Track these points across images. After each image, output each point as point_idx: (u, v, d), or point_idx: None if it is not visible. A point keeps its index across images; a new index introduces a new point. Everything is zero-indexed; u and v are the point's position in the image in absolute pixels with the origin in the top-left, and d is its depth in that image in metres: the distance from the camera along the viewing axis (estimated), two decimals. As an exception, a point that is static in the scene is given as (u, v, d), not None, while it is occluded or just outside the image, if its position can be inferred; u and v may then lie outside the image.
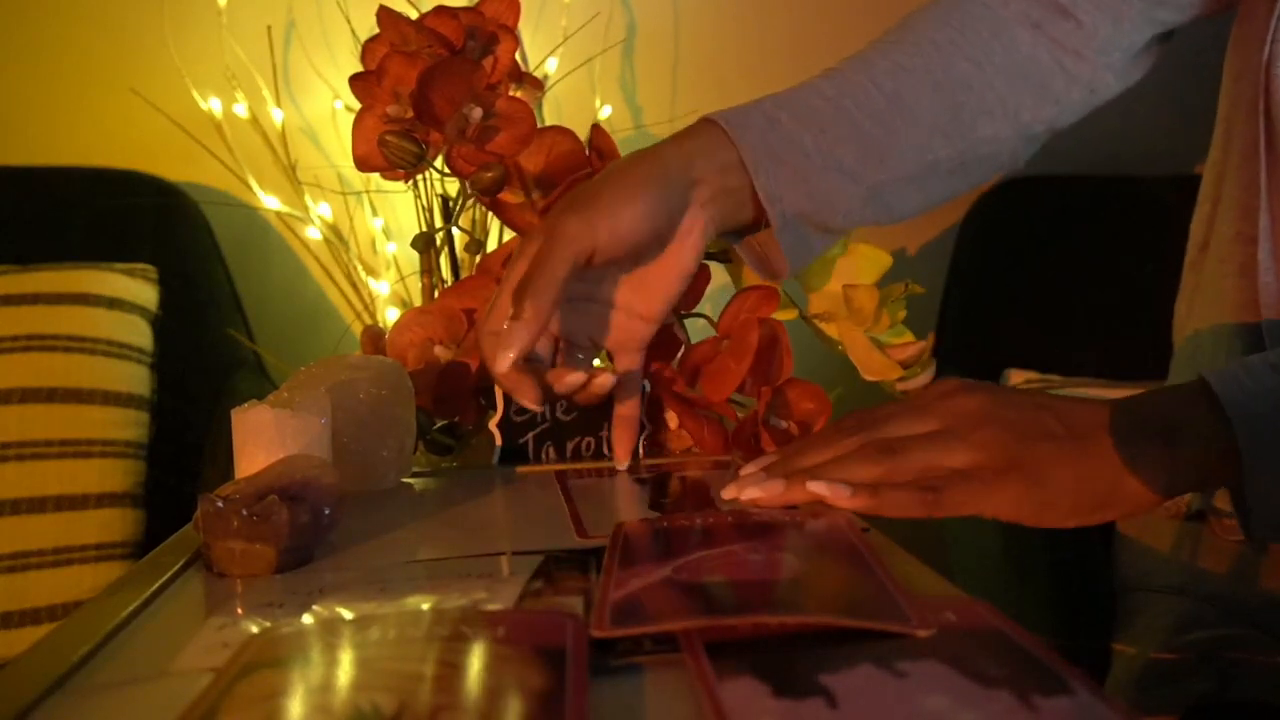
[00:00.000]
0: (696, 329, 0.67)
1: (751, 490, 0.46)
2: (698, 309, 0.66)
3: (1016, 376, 1.19)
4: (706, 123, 0.56)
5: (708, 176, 0.54)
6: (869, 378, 0.68)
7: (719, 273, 0.69)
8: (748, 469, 0.48)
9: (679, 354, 0.64)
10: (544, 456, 0.61)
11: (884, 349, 0.68)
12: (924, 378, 0.68)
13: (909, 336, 0.69)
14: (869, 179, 0.58)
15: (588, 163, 0.66)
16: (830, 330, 0.69)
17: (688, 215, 0.54)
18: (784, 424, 0.61)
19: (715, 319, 0.64)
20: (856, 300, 0.66)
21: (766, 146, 0.54)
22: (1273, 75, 0.57)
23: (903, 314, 0.69)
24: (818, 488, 0.44)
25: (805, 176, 0.56)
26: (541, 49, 1.24)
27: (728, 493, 0.47)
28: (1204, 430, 0.42)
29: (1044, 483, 0.42)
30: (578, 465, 0.60)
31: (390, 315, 1.12)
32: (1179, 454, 0.42)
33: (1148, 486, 0.42)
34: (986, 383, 0.48)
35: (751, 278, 0.65)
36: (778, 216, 0.56)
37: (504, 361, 0.49)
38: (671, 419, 0.63)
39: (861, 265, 0.68)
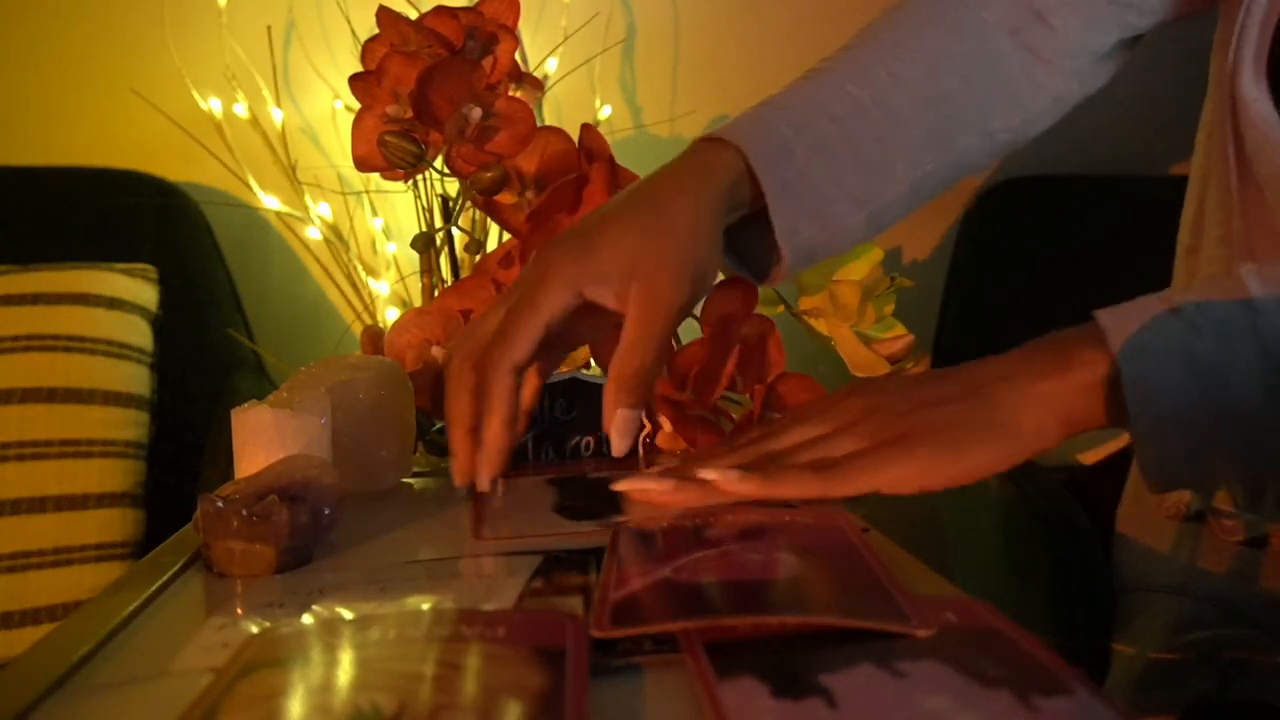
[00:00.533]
0: (690, 329, 0.66)
1: (642, 482, 0.45)
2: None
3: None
4: (728, 149, 0.54)
5: (733, 212, 0.54)
6: (857, 373, 0.68)
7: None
8: (649, 471, 0.48)
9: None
10: (543, 456, 0.61)
11: (871, 344, 0.68)
12: (916, 371, 0.68)
13: (900, 330, 0.69)
14: (871, 204, 0.58)
15: (580, 163, 0.66)
16: (820, 326, 0.69)
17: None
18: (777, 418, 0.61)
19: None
20: (841, 296, 0.66)
21: (784, 182, 0.54)
22: (1238, 83, 0.57)
23: (890, 308, 0.69)
24: (707, 473, 0.43)
25: (817, 210, 0.56)
26: (541, 49, 1.24)
27: (618, 485, 0.47)
28: (1090, 361, 0.42)
29: (938, 445, 0.42)
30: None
31: (390, 315, 1.12)
32: (1068, 384, 0.42)
33: (1045, 428, 0.42)
34: (879, 377, 0.48)
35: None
36: (790, 252, 0.56)
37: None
38: (665, 423, 0.63)
39: (852, 259, 0.68)
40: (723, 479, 0.43)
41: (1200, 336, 0.41)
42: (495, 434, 0.48)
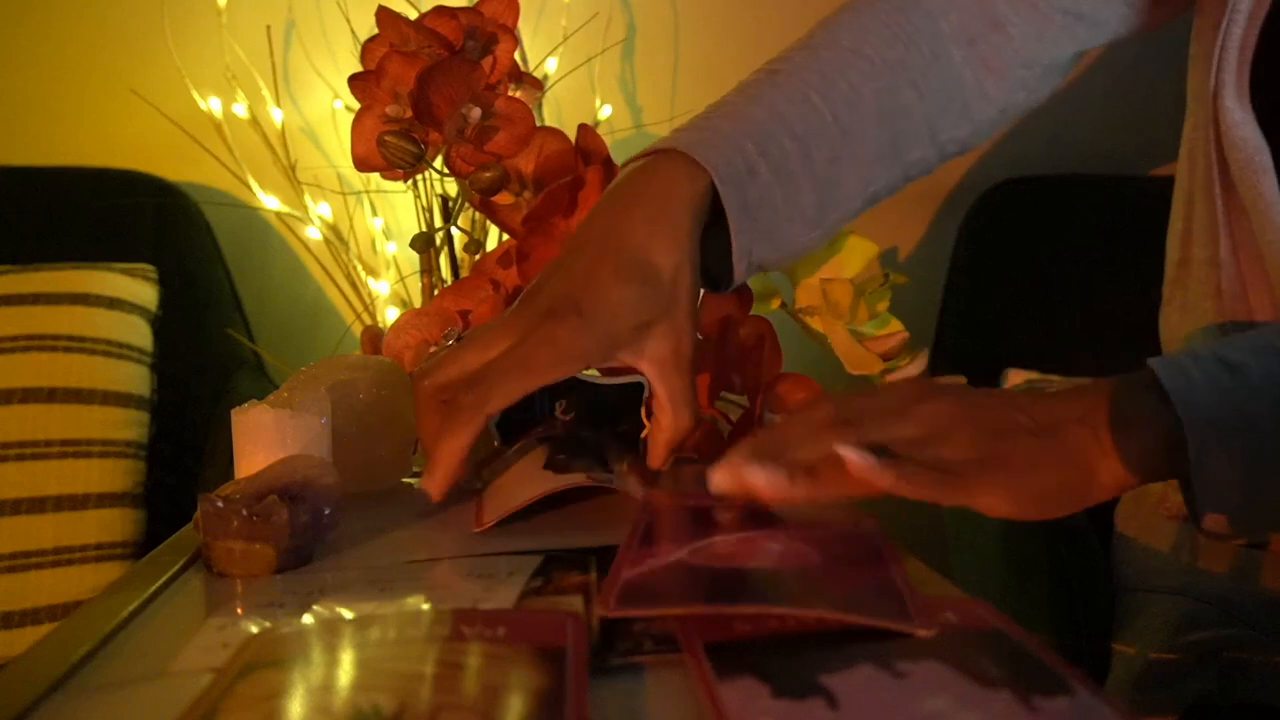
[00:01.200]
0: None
1: (755, 474, 0.42)
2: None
3: (1016, 377, 1.19)
4: (692, 168, 0.53)
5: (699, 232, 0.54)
6: (853, 371, 0.68)
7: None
8: (732, 457, 0.44)
9: None
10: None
11: (865, 340, 0.67)
12: (913, 369, 0.68)
13: (896, 326, 0.69)
14: (824, 223, 0.59)
15: (577, 164, 0.66)
16: (815, 324, 0.69)
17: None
18: (778, 419, 0.61)
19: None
20: (833, 294, 0.66)
21: (745, 204, 0.54)
22: (1220, 106, 0.57)
23: (884, 305, 0.69)
24: (846, 452, 0.40)
25: (772, 230, 0.56)
26: (541, 49, 1.24)
27: (720, 481, 0.43)
28: (1156, 423, 0.42)
29: (1030, 477, 0.42)
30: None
31: (390, 315, 1.12)
32: (1135, 445, 0.42)
33: (1116, 476, 0.43)
34: (950, 385, 0.47)
35: None
36: (745, 269, 0.56)
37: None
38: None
39: (847, 256, 0.68)
40: (861, 461, 0.40)
41: (1260, 401, 0.41)
42: (450, 463, 0.47)
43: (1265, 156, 0.56)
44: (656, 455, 0.52)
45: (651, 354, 0.50)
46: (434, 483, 0.48)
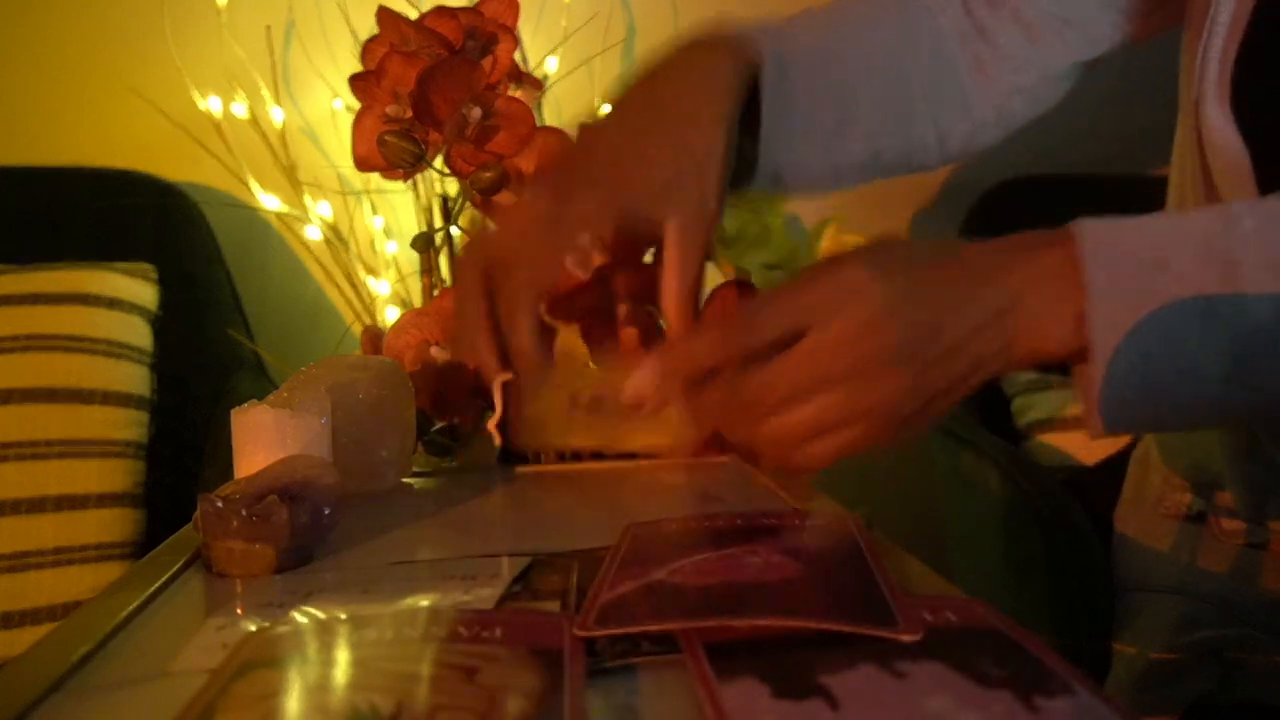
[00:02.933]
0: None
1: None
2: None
3: (1015, 377, 1.19)
4: (740, 60, 0.56)
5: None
6: None
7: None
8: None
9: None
10: (542, 456, 0.61)
11: None
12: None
13: None
14: (833, 158, 0.61)
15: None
16: None
17: None
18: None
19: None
20: None
21: (783, 98, 0.57)
22: (1202, 114, 0.57)
23: None
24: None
25: (791, 136, 0.59)
26: (541, 49, 1.24)
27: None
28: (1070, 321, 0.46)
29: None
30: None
31: (390, 315, 1.12)
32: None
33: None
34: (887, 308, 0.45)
35: (728, 273, 0.65)
36: (768, 163, 0.59)
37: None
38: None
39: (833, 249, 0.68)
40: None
41: (1184, 318, 0.43)
42: (520, 343, 0.49)
43: (1246, 162, 0.56)
44: (679, 313, 0.52)
45: (676, 207, 0.52)
46: (519, 360, 0.49)
